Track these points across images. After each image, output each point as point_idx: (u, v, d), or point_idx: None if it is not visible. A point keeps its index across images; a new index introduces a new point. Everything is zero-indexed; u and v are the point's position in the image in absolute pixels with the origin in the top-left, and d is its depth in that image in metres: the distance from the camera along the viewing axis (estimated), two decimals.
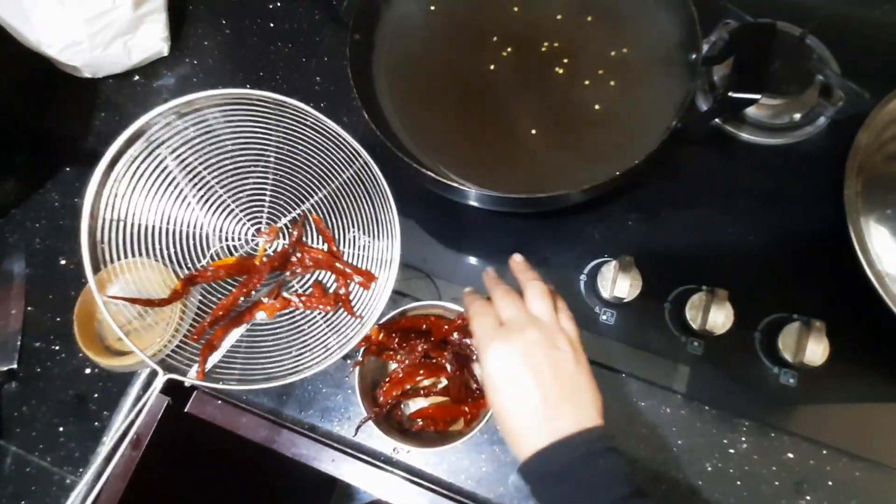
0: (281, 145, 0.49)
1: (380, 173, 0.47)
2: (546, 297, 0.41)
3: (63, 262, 0.60)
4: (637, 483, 0.35)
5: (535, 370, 0.37)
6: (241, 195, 0.50)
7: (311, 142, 0.48)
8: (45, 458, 0.54)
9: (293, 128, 0.48)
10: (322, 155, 0.49)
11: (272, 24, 0.69)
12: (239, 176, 0.49)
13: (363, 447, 0.53)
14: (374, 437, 0.53)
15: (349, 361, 0.55)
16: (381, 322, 0.49)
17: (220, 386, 0.46)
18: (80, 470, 0.53)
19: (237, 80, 0.67)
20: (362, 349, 0.48)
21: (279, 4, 0.70)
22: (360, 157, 0.47)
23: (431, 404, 0.51)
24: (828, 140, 0.60)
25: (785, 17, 0.61)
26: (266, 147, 0.49)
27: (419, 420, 0.50)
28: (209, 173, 0.48)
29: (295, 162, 0.49)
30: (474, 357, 0.50)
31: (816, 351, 0.48)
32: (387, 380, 0.51)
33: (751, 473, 0.50)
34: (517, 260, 0.45)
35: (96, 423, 0.55)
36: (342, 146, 0.47)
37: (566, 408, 0.36)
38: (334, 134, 0.47)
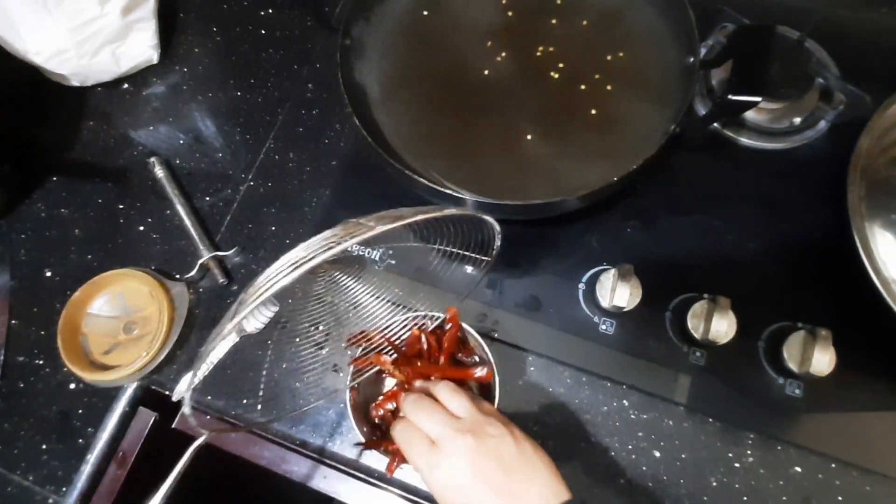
0: None
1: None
2: (457, 392, 0.41)
3: (48, 273, 0.59)
4: None
5: (484, 476, 0.37)
6: None
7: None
8: (28, 477, 0.52)
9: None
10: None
11: (263, 31, 0.68)
12: None
13: (356, 464, 0.51)
14: (368, 454, 0.51)
15: (341, 374, 0.53)
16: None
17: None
18: (64, 489, 0.52)
19: (228, 88, 0.66)
20: (352, 372, 0.47)
21: (270, 11, 0.69)
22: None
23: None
24: (829, 144, 0.59)
25: (783, 20, 0.61)
26: None
27: None
28: None
29: None
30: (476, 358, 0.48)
31: (823, 360, 0.47)
32: (381, 397, 0.49)
33: (757, 488, 0.48)
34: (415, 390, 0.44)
35: (80, 441, 0.53)
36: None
37: (527, 489, 0.36)
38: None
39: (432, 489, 0.38)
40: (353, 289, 0.50)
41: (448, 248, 0.45)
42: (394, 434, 0.42)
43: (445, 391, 0.41)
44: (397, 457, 0.45)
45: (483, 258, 0.45)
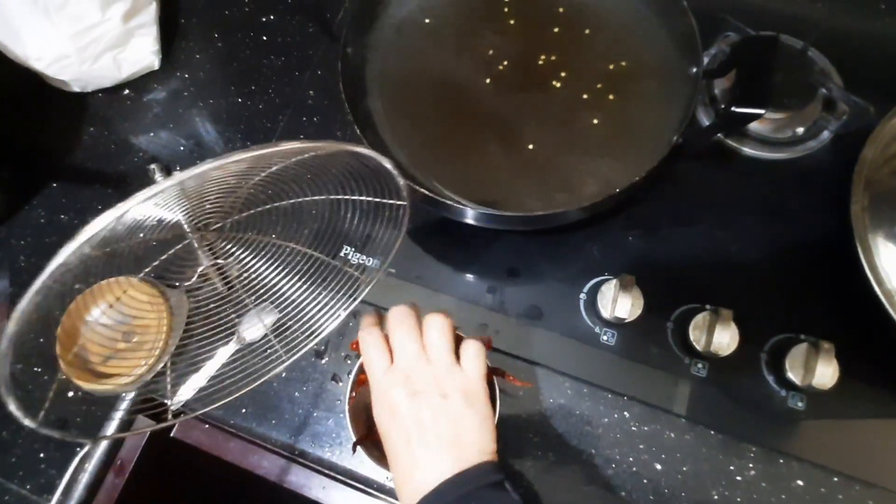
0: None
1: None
2: (446, 333, 0.39)
3: None
4: None
5: (415, 419, 0.36)
6: None
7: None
8: (25, 485, 0.52)
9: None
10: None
11: (265, 38, 0.68)
12: None
13: (355, 474, 0.51)
14: (367, 464, 0.51)
15: (340, 385, 0.53)
16: None
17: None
18: (62, 498, 0.51)
19: (229, 94, 0.66)
20: (353, 379, 0.46)
21: (272, 17, 0.69)
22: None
23: None
24: (832, 155, 0.58)
25: (786, 29, 0.60)
26: None
27: None
28: None
29: None
30: None
31: (826, 373, 0.46)
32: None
33: (759, 502, 0.48)
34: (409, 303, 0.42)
35: (78, 449, 0.52)
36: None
37: (446, 451, 0.35)
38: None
39: (373, 404, 0.38)
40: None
41: (351, 198, 0.43)
42: (360, 334, 0.40)
43: (435, 324, 0.38)
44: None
45: (398, 202, 0.42)
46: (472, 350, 0.38)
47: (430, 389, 0.37)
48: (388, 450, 0.38)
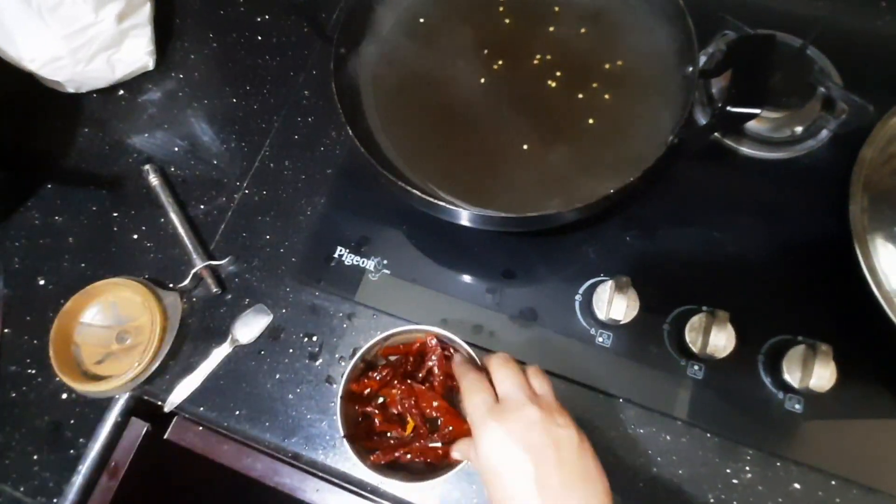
0: None
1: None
2: (546, 378, 0.39)
3: (42, 282, 0.58)
4: None
5: (536, 454, 0.33)
6: None
7: None
8: (19, 488, 0.52)
9: None
10: None
11: (260, 38, 0.68)
12: None
13: (349, 477, 0.50)
14: (361, 466, 0.50)
15: (334, 387, 0.53)
16: (366, 352, 0.47)
17: None
18: (55, 501, 0.51)
19: (224, 94, 0.65)
20: (345, 379, 0.46)
21: (267, 18, 0.69)
22: None
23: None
24: (831, 154, 0.58)
25: (784, 27, 0.60)
26: None
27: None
28: None
29: None
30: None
31: (823, 376, 0.46)
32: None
33: None
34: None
35: (72, 451, 0.52)
36: None
37: (574, 490, 0.33)
38: None
39: (477, 446, 0.36)
40: None
41: None
42: (455, 370, 0.40)
43: (536, 370, 0.40)
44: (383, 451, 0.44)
45: None
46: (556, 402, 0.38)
47: (544, 421, 0.35)
48: (499, 493, 0.34)
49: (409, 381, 0.46)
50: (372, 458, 0.45)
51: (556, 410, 0.36)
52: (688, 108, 0.49)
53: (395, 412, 0.47)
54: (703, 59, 0.61)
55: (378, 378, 0.47)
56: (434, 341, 0.47)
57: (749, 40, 0.52)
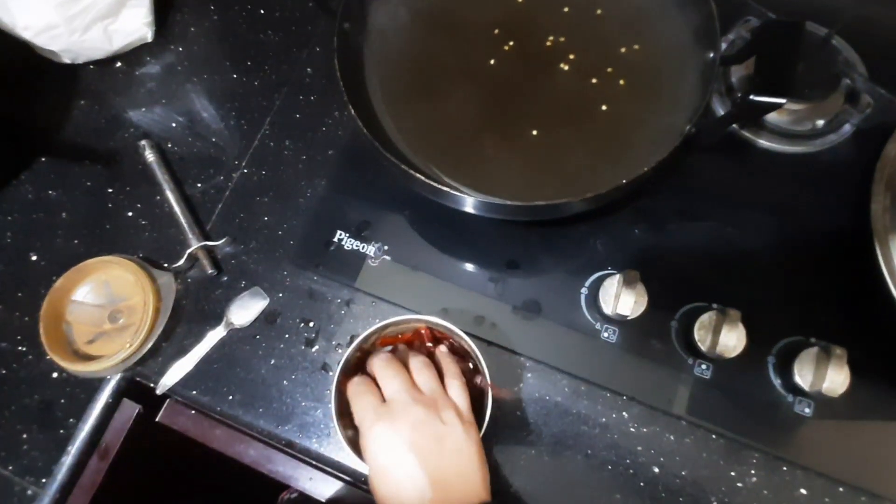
0: None
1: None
2: (428, 368, 0.41)
3: (34, 258, 0.57)
4: None
5: (421, 452, 0.36)
6: None
7: None
8: (7, 467, 0.51)
9: None
10: None
11: (262, 12, 0.66)
12: None
13: (343, 466, 0.49)
14: (354, 457, 0.49)
15: (330, 374, 0.51)
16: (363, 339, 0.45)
17: None
18: (44, 480, 0.50)
19: (224, 70, 0.63)
20: (340, 367, 0.44)
21: None
22: None
23: None
24: (853, 150, 0.55)
25: (809, 15, 0.57)
26: None
27: None
28: None
29: None
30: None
31: (836, 380, 0.44)
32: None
33: None
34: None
35: (62, 431, 0.51)
36: None
37: (455, 485, 0.36)
38: None
39: (366, 448, 0.38)
40: None
41: None
42: (348, 389, 0.42)
43: (418, 363, 0.41)
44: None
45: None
46: (458, 380, 0.41)
47: (428, 419, 0.37)
48: (383, 491, 0.37)
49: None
50: None
51: (441, 406, 0.38)
52: (707, 96, 0.46)
53: None
54: (724, 46, 0.58)
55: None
56: (425, 332, 0.46)
57: (774, 26, 0.49)
